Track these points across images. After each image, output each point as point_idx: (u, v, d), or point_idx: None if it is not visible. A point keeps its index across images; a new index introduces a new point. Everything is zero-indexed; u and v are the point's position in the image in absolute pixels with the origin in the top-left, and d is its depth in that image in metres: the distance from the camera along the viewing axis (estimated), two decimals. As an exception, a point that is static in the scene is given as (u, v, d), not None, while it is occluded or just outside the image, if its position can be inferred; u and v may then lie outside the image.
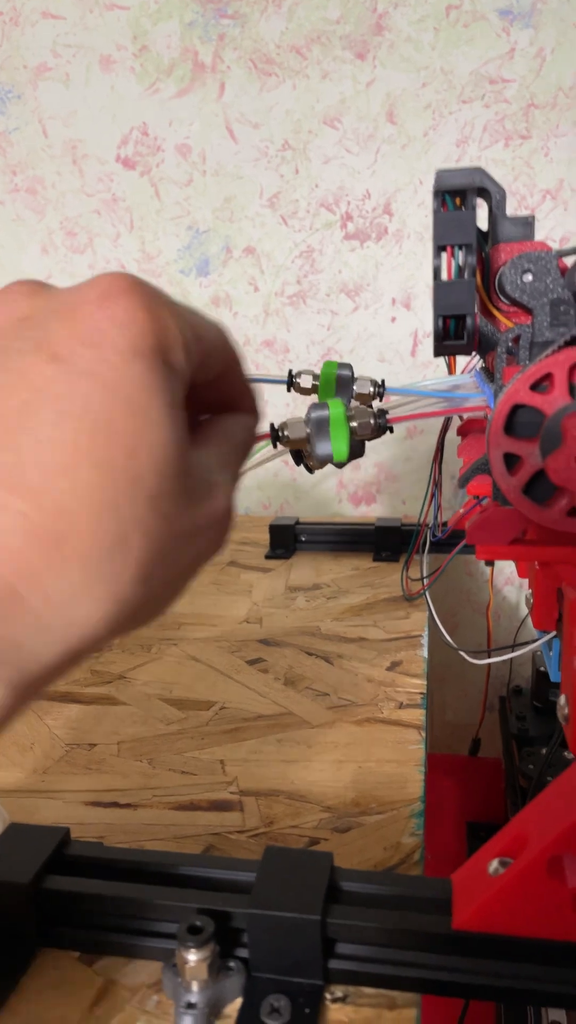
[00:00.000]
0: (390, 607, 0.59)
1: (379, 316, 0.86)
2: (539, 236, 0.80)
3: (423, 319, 0.85)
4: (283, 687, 0.47)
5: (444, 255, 0.27)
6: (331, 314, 0.87)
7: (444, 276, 0.27)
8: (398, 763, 0.38)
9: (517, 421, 0.27)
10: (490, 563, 0.63)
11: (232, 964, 0.26)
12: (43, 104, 0.88)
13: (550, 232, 0.80)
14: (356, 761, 0.39)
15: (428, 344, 0.85)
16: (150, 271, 0.89)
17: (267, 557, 0.72)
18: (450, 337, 0.28)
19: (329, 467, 0.44)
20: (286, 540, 0.74)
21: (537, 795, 0.38)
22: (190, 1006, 0.25)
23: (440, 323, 0.28)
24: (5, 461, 0.16)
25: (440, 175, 0.29)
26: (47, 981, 0.27)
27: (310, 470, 0.41)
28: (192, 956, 0.24)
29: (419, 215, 0.82)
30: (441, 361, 0.89)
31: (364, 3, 0.79)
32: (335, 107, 0.82)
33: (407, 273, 0.84)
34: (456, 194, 0.28)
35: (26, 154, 0.90)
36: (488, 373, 0.40)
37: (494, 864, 0.25)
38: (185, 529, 0.19)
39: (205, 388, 0.22)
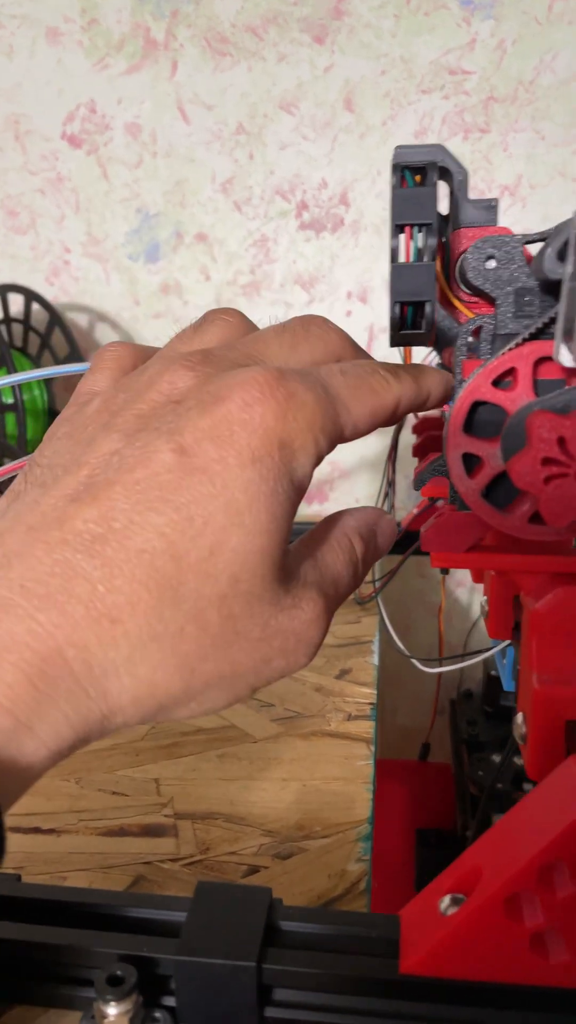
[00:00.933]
0: (340, 610, 0.57)
1: (334, 309, 0.84)
2: (497, 233, 0.79)
3: (379, 314, 0.83)
4: (226, 696, 0.44)
5: (402, 236, 0.25)
6: (285, 306, 0.84)
7: (402, 258, 0.25)
8: (345, 780, 0.36)
9: (477, 419, 0.25)
10: (445, 570, 0.62)
11: (158, 1015, 0.23)
12: (-16, 76, 0.83)
13: (509, 228, 0.79)
14: (301, 779, 0.36)
15: (384, 339, 0.84)
16: (96, 255, 0.86)
17: (214, 556, 0.69)
18: (408, 326, 0.26)
19: None
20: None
21: (488, 827, 0.36)
22: (108, 1067, 0.22)
23: (397, 310, 0.26)
24: (97, 531, 0.17)
25: (399, 151, 0.26)
26: (-52, 1038, 0.24)
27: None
28: (112, 1009, 0.22)
29: (376, 207, 0.80)
30: (396, 358, 0.87)
31: (323, -15, 0.76)
32: (292, 92, 0.79)
33: (363, 266, 0.82)
34: (416, 171, 0.26)
35: (-34, 128, 0.85)
36: (444, 368, 0.38)
37: (446, 901, 0.23)
38: (253, 634, 0.19)
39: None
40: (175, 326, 0.88)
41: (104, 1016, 0.22)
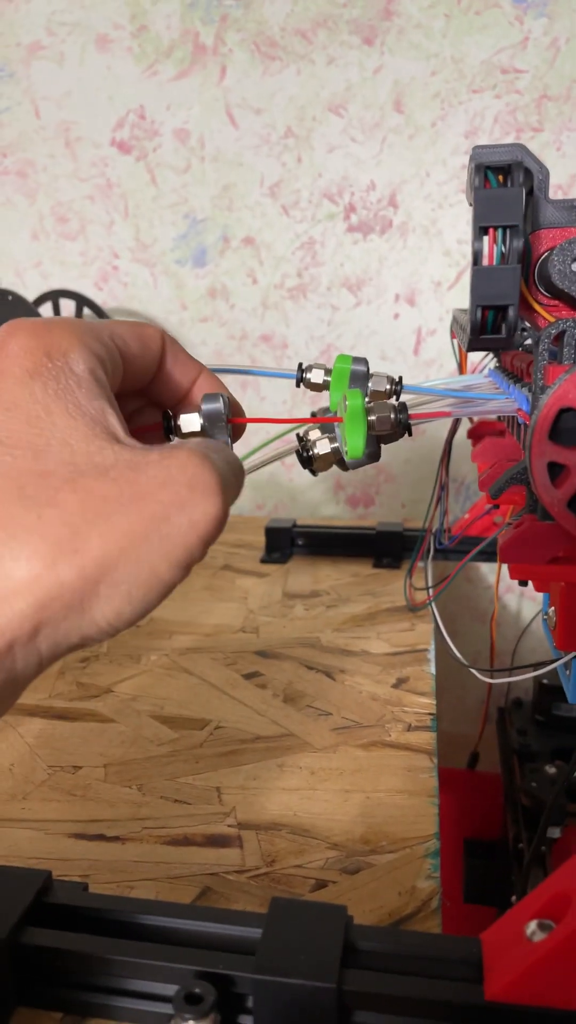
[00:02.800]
0: (393, 617, 0.56)
1: (381, 312, 0.83)
2: (549, 233, 0.78)
3: (427, 316, 0.82)
4: (283, 704, 0.44)
5: (486, 238, 0.24)
6: (332, 309, 0.84)
7: (485, 261, 0.24)
8: (409, 794, 0.35)
9: (564, 427, 0.24)
10: (524, 582, 0.61)
11: (235, 1035, 0.23)
12: (36, 84, 0.84)
13: (561, 229, 0.77)
14: (364, 791, 0.36)
15: (431, 342, 0.83)
16: (145, 260, 0.86)
17: (262, 561, 0.69)
18: (488, 331, 0.26)
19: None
20: (282, 544, 0.71)
21: (545, 841, 0.35)
22: None
23: (478, 314, 0.25)
24: None
25: (478, 152, 0.26)
26: (24, 1050, 0.24)
27: (314, 472, 0.38)
28: (190, 1030, 0.21)
29: (425, 208, 0.79)
30: (444, 361, 0.86)
31: (373, -14, 0.76)
32: (340, 94, 0.79)
33: (411, 268, 0.81)
34: (499, 171, 0.25)
35: (17, 136, 0.86)
36: (505, 372, 0.37)
37: (532, 927, 0.22)
38: (126, 498, 0.20)
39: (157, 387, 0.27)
40: (222, 329, 0.87)
41: (183, 1034, 0.22)
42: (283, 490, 0.90)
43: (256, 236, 0.83)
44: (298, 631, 0.54)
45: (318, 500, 0.90)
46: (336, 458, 0.35)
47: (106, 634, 0.20)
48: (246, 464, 0.43)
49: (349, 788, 0.36)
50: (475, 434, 0.53)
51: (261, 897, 0.25)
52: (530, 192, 0.27)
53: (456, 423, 0.58)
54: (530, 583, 0.37)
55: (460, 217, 0.79)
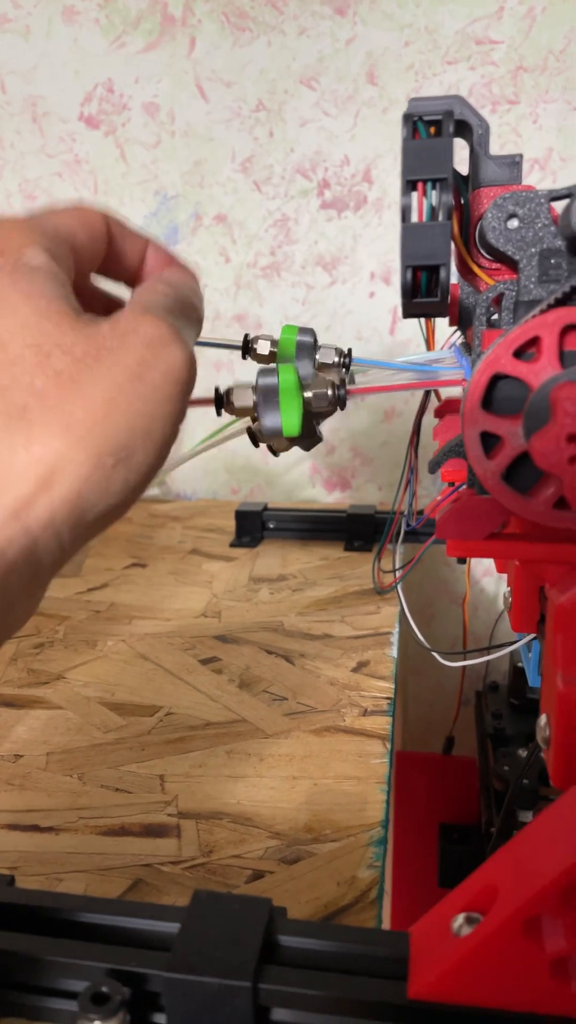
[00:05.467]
0: (359, 601, 0.55)
1: (357, 291, 0.81)
2: (526, 209, 0.76)
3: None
4: (237, 690, 0.42)
5: (415, 193, 0.23)
6: (306, 288, 0.82)
7: (415, 217, 0.23)
8: (358, 780, 0.34)
9: (497, 395, 0.23)
10: (462, 560, 0.59)
11: (147, 1036, 0.22)
12: (1, 58, 0.82)
13: (537, 205, 0.76)
14: (312, 777, 0.35)
15: (407, 322, 0.81)
16: (115, 239, 0.84)
17: (232, 545, 0.68)
18: (421, 293, 0.24)
19: (300, 450, 0.39)
20: (253, 527, 0.70)
21: (514, 824, 0.34)
22: None
23: (409, 276, 0.24)
24: None
25: (413, 102, 0.24)
26: None
27: (274, 452, 0.37)
28: (96, 1031, 0.20)
29: (400, 184, 0.78)
30: (421, 341, 0.84)
31: (345, -46, 0.74)
32: (312, 66, 0.77)
33: (387, 246, 0.79)
34: (430, 123, 0.23)
35: (-18, 110, 0.84)
36: (468, 348, 0.35)
37: (459, 920, 0.21)
38: (86, 351, 0.20)
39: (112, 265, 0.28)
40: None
41: (89, 1036, 0.21)
42: (259, 474, 0.89)
43: (228, 213, 0.81)
44: (261, 615, 0.52)
45: (294, 484, 0.89)
46: (273, 435, 0.33)
47: (119, 506, 0.21)
48: (200, 447, 0.41)
49: (297, 775, 0.35)
50: (441, 411, 0.52)
51: (192, 890, 0.24)
52: (472, 149, 0.26)
53: (425, 403, 0.57)
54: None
55: (435, 193, 0.77)
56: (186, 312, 0.25)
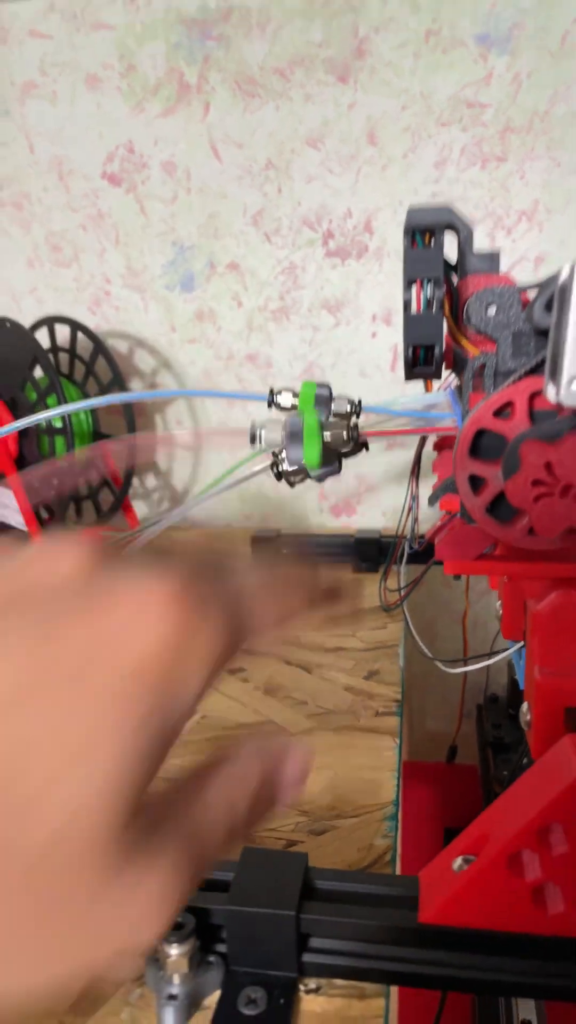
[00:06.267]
0: (368, 617, 0.61)
1: (360, 332, 0.88)
2: (515, 256, 0.83)
3: (402, 335, 0.87)
4: (263, 696, 0.48)
5: (414, 289, 0.29)
6: (313, 329, 0.89)
7: (414, 309, 0.29)
8: (373, 769, 0.40)
9: (481, 445, 0.29)
10: (458, 577, 0.65)
11: (211, 959, 0.27)
12: (30, 121, 0.89)
13: (525, 252, 0.82)
14: (332, 768, 0.40)
15: (407, 359, 0.88)
16: (135, 286, 0.91)
17: (249, 568, 0.74)
18: (420, 364, 0.30)
19: (310, 481, 0.45)
20: (268, 552, 0.76)
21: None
22: (171, 997, 0.26)
23: (410, 351, 0.30)
24: None
25: (411, 213, 0.31)
26: (34, 977, 0.28)
27: (291, 484, 0.43)
28: (174, 950, 0.26)
29: (399, 234, 0.84)
30: (418, 388, 0.91)
31: (346, 27, 0.81)
32: (317, 129, 0.84)
33: (387, 291, 0.86)
34: (425, 231, 0.30)
35: (12, 169, 0.91)
36: (461, 392, 0.41)
37: (458, 861, 0.27)
38: (68, 916, 0.14)
39: None
40: (209, 350, 0.93)
41: (167, 956, 0.26)
42: (270, 502, 0.95)
43: (240, 262, 0.88)
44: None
45: (303, 510, 0.95)
46: (304, 472, 0.39)
47: None
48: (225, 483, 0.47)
49: (320, 765, 0.40)
50: (440, 446, 0.58)
51: (237, 854, 0.30)
52: (460, 247, 0.32)
53: (423, 437, 0.63)
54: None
55: (431, 242, 0.84)
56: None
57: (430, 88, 0.81)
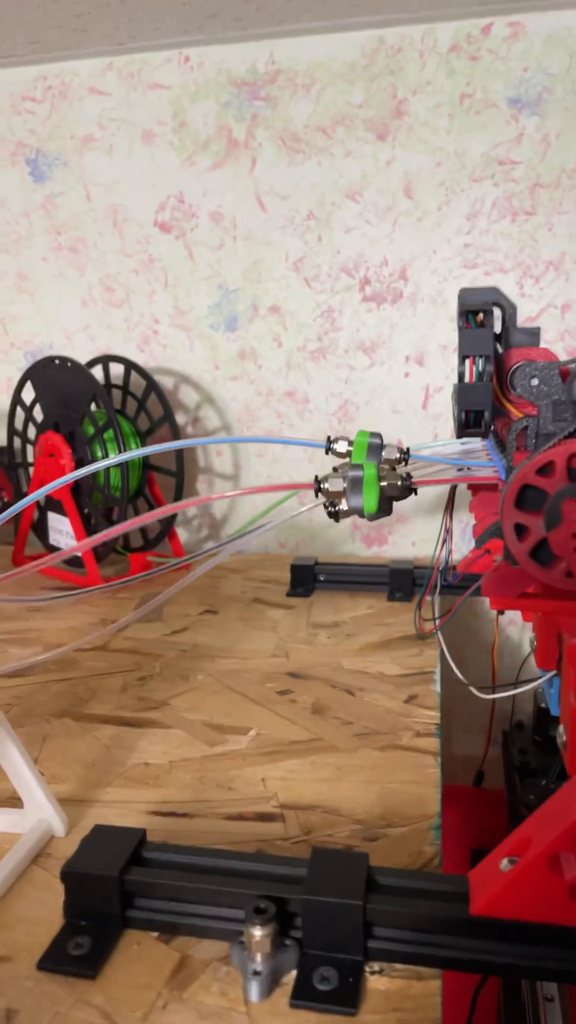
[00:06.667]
0: (404, 645, 0.65)
1: (393, 372, 0.93)
2: (542, 303, 0.87)
3: (434, 375, 0.92)
4: (311, 715, 0.52)
5: (468, 362, 0.34)
6: (349, 368, 0.94)
7: (467, 379, 0.34)
8: (417, 784, 0.44)
9: (525, 497, 0.33)
10: (501, 612, 0.69)
11: (288, 942, 0.31)
12: (88, 171, 0.96)
13: (552, 300, 0.87)
14: (380, 782, 0.44)
15: (438, 398, 0.92)
16: (182, 325, 0.96)
17: (288, 595, 0.78)
18: (471, 426, 0.35)
19: None
20: (306, 579, 0.80)
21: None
22: (256, 973, 0.30)
23: (463, 416, 0.34)
24: None
25: (463, 295, 0.35)
26: (132, 955, 0.32)
27: (337, 519, 0.47)
28: (258, 932, 0.30)
29: (432, 281, 0.90)
30: (450, 415, 0.96)
31: (385, 90, 0.87)
32: (357, 182, 0.89)
33: (420, 333, 0.91)
34: (477, 311, 0.34)
35: (70, 216, 0.97)
36: (497, 440, 0.46)
37: (504, 862, 0.31)
38: None
39: None
40: (251, 387, 0.99)
41: (252, 937, 0.30)
42: (304, 530, 1.00)
43: (281, 305, 0.94)
44: (323, 656, 0.62)
45: (336, 539, 0.99)
46: (353, 512, 0.44)
47: None
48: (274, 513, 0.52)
49: (368, 780, 0.44)
50: (474, 486, 0.62)
51: (302, 856, 0.34)
52: (504, 322, 0.37)
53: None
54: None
55: (463, 289, 0.89)
56: None
57: (464, 146, 0.87)
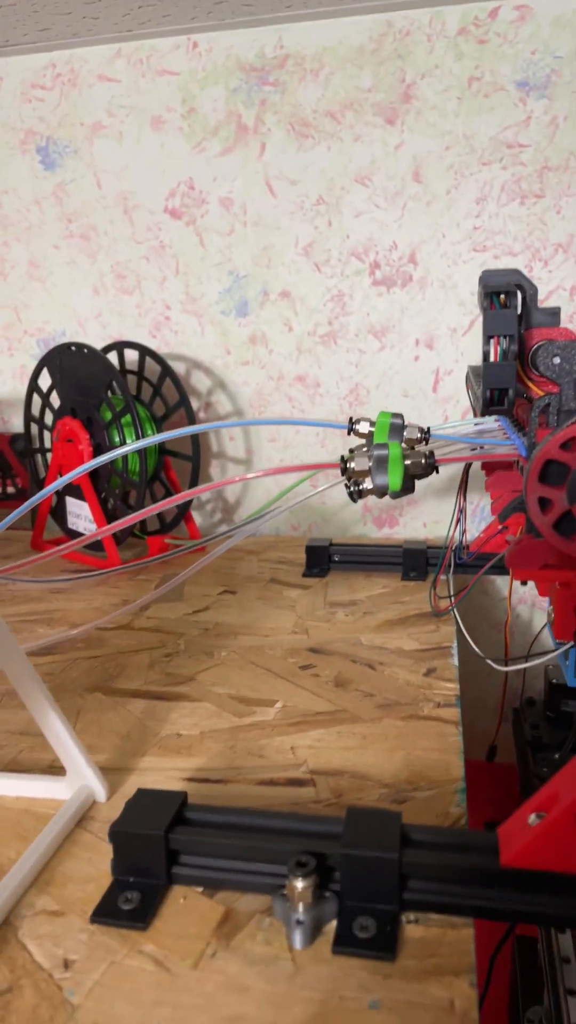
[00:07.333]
0: (420, 622, 0.66)
1: (403, 355, 0.94)
2: (551, 285, 0.88)
3: (444, 359, 0.93)
4: (335, 688, 0.54)
5: (492, 342, 0.35)
6: (359, 352, 0.95)
7: (492, 358, 0.35)
8: (441, 751, 0.46)
9: (549, 472, 0.35)
10: (524, 582, 0.71)
11: (327, 894, 0.33)
12: (98, 159, 0.97)
13: (561, 282, 0.88)
14: (405, 749, 0.46)
15: (448, 381, 0.93)
16: (193, 311, 0.97)
17: (304, 575, 0.80)
18: (495, 404, 0.36)
19: None
20: (321, 560, 0.82)
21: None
22: (299, 923, 0.32)
23: (488, 394, 0.36)
24: None
25: (486, 277, 0.37)
26: (179, 909, 0.34)
27: (357, 499, 0.49)
28: (300, 883, 0.32)
29: (441, 265, 0.91)
30: (459, 397, 0.98)
31: (394, 74, 0.87)
32: (366, 167, 0.90)
33: (430, 317, 0.92)
34: (500, 293, 0.36)
35: (81, 204, 0.98)
36: (513, 420, 0.47)
37: (532, 817, 0.32)
38: None
39: None
40: (262, 371, 1.00)
41: (295, 888, 0.32)
42: (316, 512, 1.01)
43: (292, 290, 0.95)
44: (342, 632, 0.64)
45: (347, 521, 1.01)
46: (377, 491, 0.45)
47: None
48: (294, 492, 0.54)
49: (393, 748, 0.46)
50: (488, 466, 0.63)
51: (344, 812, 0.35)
52: (525, 303, 0.38)
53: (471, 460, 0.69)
54: (533, 587, 0.47)
55: (472, 273, 0.90)
56: None
57: (472, 130, 0.88)
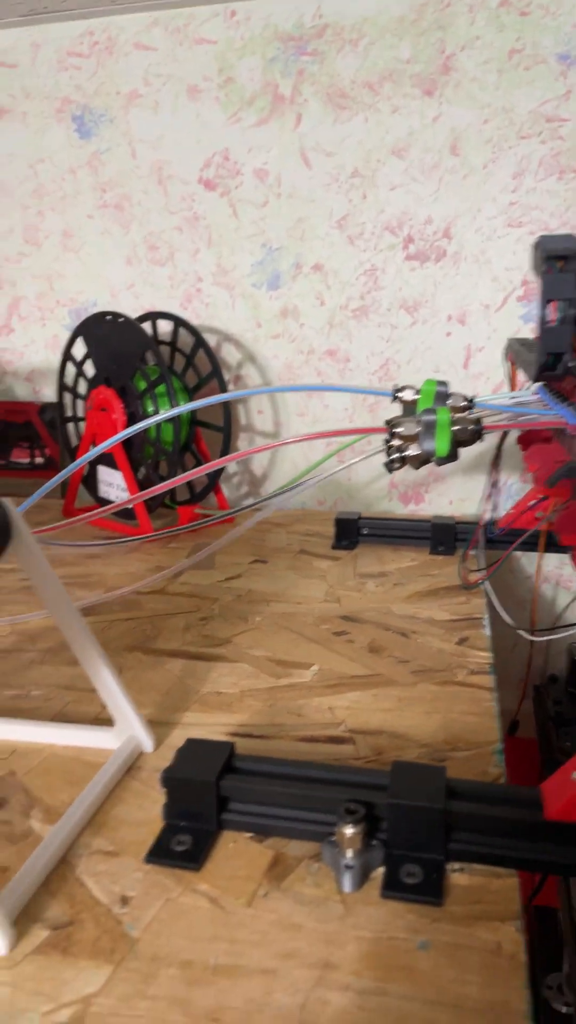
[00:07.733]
0: (451, 594, 0.67)
1: (435, 331, 0.94)
2: (587, 263, 0.88)
3: (475, 335, 0.93)
4: (369, 654, 0.55)
5: (550, 306, 0.35)
6: (391, 327, 0.95)
7: (549, 322, 0.35)
8: (477, 715, 0.46)
9: (601, 437, 0.35)
10: (567, 549, 0.71)
11: (374, 843, 0.34)
12: (133, 128, 0.96)
13: (597, 259, 0.87)
14: (441, 712, 0.47)
15: (480, 357, 0.93)
16: (225, 284, 0.98)
17: (333, 547, 0.80)
18: (549, 368, 0.37)
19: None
20: (350, 532, 0.82)
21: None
22: (348, 867, 0.33)
23: (544, 358, 0.36)
24: None
25: (543, 242, 0.37)
26: (230, 852, 0.35)
27: (395, 468, 0.49)
28: (349, 829, 0.33)
29: (476, 240, 0.90)
30: (491, 374, 0.98)
31: (434, 45, 0.87)
32: (403, 139, 0.90)
33: (463, 292, 0.92)
34: (559, 258, 0.36)
35: (115, 173, 0.98)
36: (553, 391, 0.47)
37: (575, 774, 0.33)
38: None
39: None
40: (291, 345, 1.00)
41: (344, 835, 0.33)
42: (342, 488, 1.01)
43: (324, 263, 0.95)
44: (373, 602, 0.65)
45: (373, 497, 1.01)
46: (423, 456, 0.46)
47: None
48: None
49: (429, 711, 0.47)
50: (525, 440, 0.64)
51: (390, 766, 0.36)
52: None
53: (505, 432, 0.69)
54: (559, 566, 0.47)
55: (507, 248, 0.89)
56: None
57: (511, 103, 0.87)
